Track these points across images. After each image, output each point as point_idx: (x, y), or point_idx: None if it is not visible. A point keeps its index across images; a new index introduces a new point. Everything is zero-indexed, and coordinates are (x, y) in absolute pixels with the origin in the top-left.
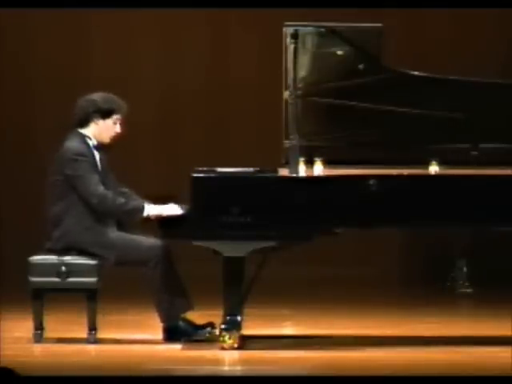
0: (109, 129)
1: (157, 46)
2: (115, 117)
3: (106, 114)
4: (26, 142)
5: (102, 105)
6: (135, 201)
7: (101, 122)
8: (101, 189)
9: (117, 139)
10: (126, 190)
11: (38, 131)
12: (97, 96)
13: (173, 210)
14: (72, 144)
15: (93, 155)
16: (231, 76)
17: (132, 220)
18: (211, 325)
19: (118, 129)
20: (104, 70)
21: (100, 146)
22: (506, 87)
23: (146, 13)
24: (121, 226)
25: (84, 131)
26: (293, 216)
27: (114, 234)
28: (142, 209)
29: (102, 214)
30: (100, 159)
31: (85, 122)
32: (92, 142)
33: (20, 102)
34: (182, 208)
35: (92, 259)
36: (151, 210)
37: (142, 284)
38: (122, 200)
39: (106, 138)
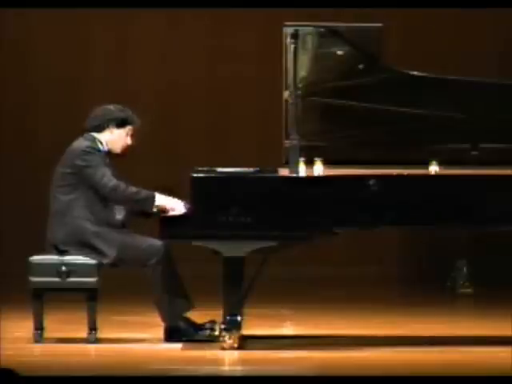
0: (121, 139)
1: (156, 47)
2: (128, 127)
3: (120, 123)
4: (26, 142)
5: (118, 113)
6: (146, 190)
7: (115, 131)
8: (113, 180)
9: (127, 151)
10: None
11: (39, 131)
12: (113, 106)
13: (179, 206)
14: (85, 141)
15: (103, 159)
16: (231, 76)
17: (144, 209)
18: (213, 322)
19: (129, 140)
20: (104, 70)
21: (109, 154)
22: (506, 87)
23: (145, 13)
24: (123, 227)
25: (98, 135)
26: (293, 216)
27: (115, 232)
28: (154, 198)
29: (114, 202)
30: (108, 166)
31: (100, 128)
32: (103, 148)
33: (20, 101)
34: (185, 207)
35: (92, 259)
36: (162, 199)
37: (143, 284)
38: (133, 189)
39: (118, 147)
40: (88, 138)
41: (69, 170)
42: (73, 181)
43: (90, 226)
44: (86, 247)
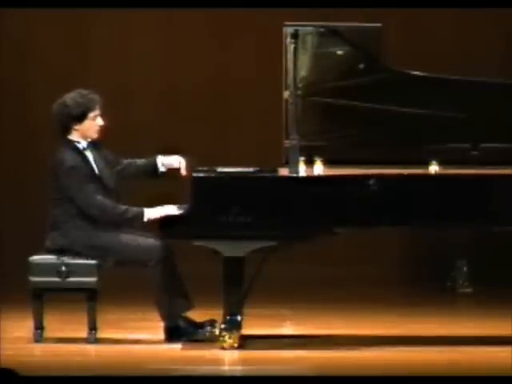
0: (90, 127)
1: (157, 47)
2: (91, 114)
3: (80, 117)
4: (26, 142)
5: (74, 110)
6: (135, 207)
7: (79, 127)
8: (99, 199)
9: (104, 131)
10: (127, 160)
11: (38, 131)
12: (68, 100)
13: (172, 210)
14: (66, 155)
15: (86, 161)
16: (231, 76)
17: (133, 225)
18: (213, 321)
19: (99, 122)
20: (104, 70)
21: (92, 143)
22: (506, 87)
23: (145, 13)
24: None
25: (70, 137)
26: (293, 216)
27: (113, 235)
28: (142, 215)
29: (101, 221)
30: (94, 159)
31: (66, 130)
32: (82, 145)
33: (20, 101)
34: (180, 208)
35: (92, 259)
36: (151, 213)
37: (143, 284)
38: (122, 208)
39: (92, 134)
40: (67, 148)
41: (55, 185)
42: (61, 194)
43: (87, 238)
44: (85, 256)
